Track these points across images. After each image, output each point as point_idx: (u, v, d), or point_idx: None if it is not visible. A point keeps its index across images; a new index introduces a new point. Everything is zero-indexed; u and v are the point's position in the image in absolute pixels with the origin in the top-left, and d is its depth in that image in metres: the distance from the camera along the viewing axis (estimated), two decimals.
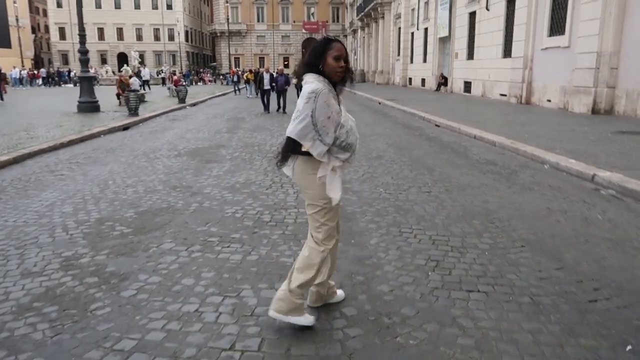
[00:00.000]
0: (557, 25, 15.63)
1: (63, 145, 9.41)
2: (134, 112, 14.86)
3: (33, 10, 73.43)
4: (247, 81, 29.32)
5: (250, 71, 31.69)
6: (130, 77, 22.10)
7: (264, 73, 18.15)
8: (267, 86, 17.70)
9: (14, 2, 54.00)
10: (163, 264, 3.57)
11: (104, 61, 65.76)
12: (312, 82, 2.49)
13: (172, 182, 6.23)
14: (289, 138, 2.51)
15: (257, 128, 12.43)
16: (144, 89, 28.75)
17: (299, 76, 2.61)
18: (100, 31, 68.37)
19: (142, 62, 56.20)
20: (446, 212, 4.89)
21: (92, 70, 46.39)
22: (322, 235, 2.62)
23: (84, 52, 15.57)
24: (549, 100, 15.91)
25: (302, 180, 2.60)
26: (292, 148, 2.53)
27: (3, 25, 55.82)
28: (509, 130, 10.44)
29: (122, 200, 5.38)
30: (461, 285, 3.23)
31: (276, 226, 4.48)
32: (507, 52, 19.32)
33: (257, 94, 26.23)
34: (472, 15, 23.33)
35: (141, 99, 21.08)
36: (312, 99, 2.42)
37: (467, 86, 24.09)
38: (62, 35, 67.10)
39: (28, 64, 58.14)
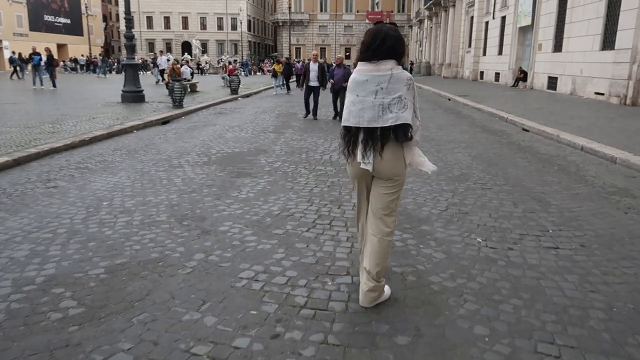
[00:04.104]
0: None
1: (83, 143, 8.09)
2: (178, 103, 13.56)
3: None
4: (274, 74, 23.15)
5: (278, 61, 24.86)
6: (181, 65, 21.01)
7: (311, 63, 12.43)
8: (313, 82, 12.27)
9: None
10: None
11: (168, 49, 66.56)
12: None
13: (182, 209, 4.57)
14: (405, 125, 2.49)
15: (309, 128, 10.66)
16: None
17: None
18: (167, 20, 69.37)
19: (204, 51, 56.28)
20: (602, 300, 2.89)
21: (148, 58, 46.52)
22: None
23: (129, 38, 14.44)
24: None
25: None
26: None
27: (76, 14, 57.64)
28: (627, 141, 8.08)
29: (102, 240, 3.76)
30: None
31: (313, 320, 2.64)
32: (607, 44, 16.33)
33: (293, 89, 21.79)
34: (563, 1, 20.31)
35: (192, 89, 20.02)
36: (413, 85, 2.50)
37: (552, 82, 21.08)
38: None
39: (97, 51, 59.67)
